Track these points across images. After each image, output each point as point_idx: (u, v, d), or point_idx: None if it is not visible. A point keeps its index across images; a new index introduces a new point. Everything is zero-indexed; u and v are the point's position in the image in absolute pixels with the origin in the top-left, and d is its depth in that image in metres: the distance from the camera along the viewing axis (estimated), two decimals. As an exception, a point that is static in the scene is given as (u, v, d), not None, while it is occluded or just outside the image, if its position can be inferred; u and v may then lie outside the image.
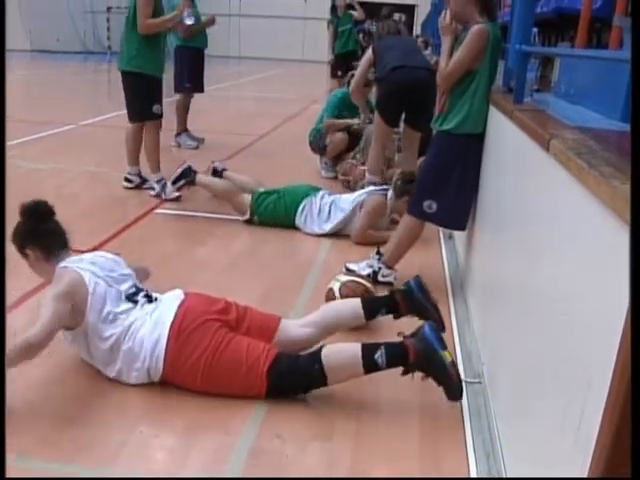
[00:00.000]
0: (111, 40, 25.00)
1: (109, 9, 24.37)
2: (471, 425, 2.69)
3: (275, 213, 5.06)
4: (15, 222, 2.89)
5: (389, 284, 3.95)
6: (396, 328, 2.88)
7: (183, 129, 8.14)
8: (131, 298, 2.89)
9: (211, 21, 8.02)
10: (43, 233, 2.90)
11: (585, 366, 1.54)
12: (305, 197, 5.05)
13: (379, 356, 2.67)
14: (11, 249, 2.91)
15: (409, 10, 18.59)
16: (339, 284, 3.62)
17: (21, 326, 2.90)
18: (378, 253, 4.05)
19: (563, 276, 1.84)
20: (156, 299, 2.95)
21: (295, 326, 3.02)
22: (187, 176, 5.23)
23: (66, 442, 2.45)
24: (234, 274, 4.18)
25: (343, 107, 6.69)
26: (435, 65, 4.81)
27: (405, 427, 2.67)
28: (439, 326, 2.92)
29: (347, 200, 4.97)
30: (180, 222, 5.25)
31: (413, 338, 2.73)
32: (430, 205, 3.79)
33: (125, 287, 2.91)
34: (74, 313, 2.72)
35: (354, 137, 6.76)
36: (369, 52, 5.70)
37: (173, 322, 2.78)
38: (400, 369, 2.71)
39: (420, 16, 21.37)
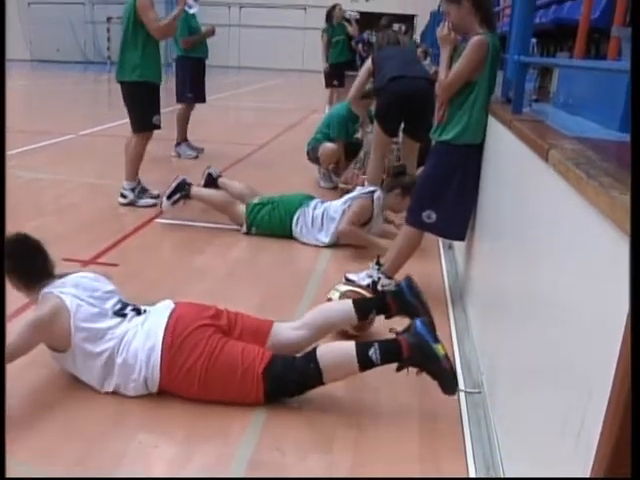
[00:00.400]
0: (111, 50, 25.06)
1: (109, 19, 24.46)
2: (471, 434, 2.69)
3: (271, 224, 5.06)
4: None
5: (389, 294, 3.95)
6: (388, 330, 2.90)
7: (183, 139, 8.15)
8: (119, 313, 2.90)
9: (211, 31, 8.04)
10: (21, 272, 2.90)
11: (585, 375, 1.53)
12: (299, 207, 5.05)
13: (373, 352, 2.69)
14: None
15: (409, 20, 18.65)
16: (338, 294, 3.62)
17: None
18: (377, 263, 4.05)
19: (562, 285, 1.84)
20: (145, 311, 2.96)
21: (288, 329, 3.03)
22: (182, 190, 5.21)
23: (64, 453, 2.44)
24: (232, 283, 4.18)
25: (348, 121, 6.68)
26: (434, 75, 4.83)
27: (404, 436, 2.66)
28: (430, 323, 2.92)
29: (336, 207, 4.97)
30: (179, 231, 5.24)
31: (406, 333, 2.76)
32: (429, 215, 3.79)
33: (111, 304, 2.92)
34: (58, 338, 2.74)
35: (354, 147, 6.78)
36: (368, 62, 5.71)
37: (166, 330, 2.78)
38: (395, 367, 2.72)
39: (419, 26, 21.47)
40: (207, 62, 8.27)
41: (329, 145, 6.61)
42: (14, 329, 2.68)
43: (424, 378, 2.72)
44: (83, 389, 2.83)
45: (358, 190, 5.17)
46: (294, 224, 5.01)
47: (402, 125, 5.55)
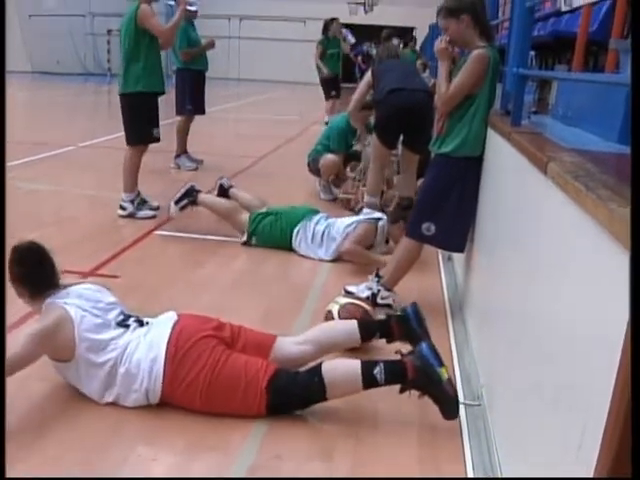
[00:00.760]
0: (111, 62, 25.15)
1: (109, 31, 24.51)
2: (470, 446, 2.68)
3: (272, 235, 5.06)
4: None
5: (388, 306, 3.95)
6: (391, 349, 2.90)
7: (183, 151, 8.17)
8: (121, 324, 2.90)
9: (210, 44, 8.07)
10: (30, 280, 2.89)
11: (584, 388, 1.53)
12: (301, 220, 5.05)
13: (378, 372, 2.70)
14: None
15: (408, 33, 18.73)
16: (338, 306, 3.61)
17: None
18: (377, 275, 4.05)
19: (561, 297, 1.84)
20: (147, 322, 2.96)
21: (291, 344, 3.03)
22: (190, 195, 5.26)
23: (64, 462, 2.44)
24: (232, 296, 4.17)
25: (348, 132, 6.69)
26: (433, 87, 4.84)
27: (404, 447, 2.66)
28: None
29: (339, 228, 4.95)
30: (178, 243, 5.25)
31: (411, 355, 2.76)
32: (429, 227, 3.79)
33: (113, 315, 2.92)
34: (62, 349, 2.74)
35: (353, 158, 6.80)
36: (368, 74, 5.73)
37: (169, 341, 2.79)
38: (398, 387, 2.73)
39: (418, 39, 21.53)
40: (207, 74, 8.30)
41: (330, 157, 6.61)
42: (16, 339, 2.67)
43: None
44: (82, 401, 2.82)
45: (364, 214, 5.17)
46: (294, 237, 5.01)
47: (401, 137, 5.56)
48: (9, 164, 6.72)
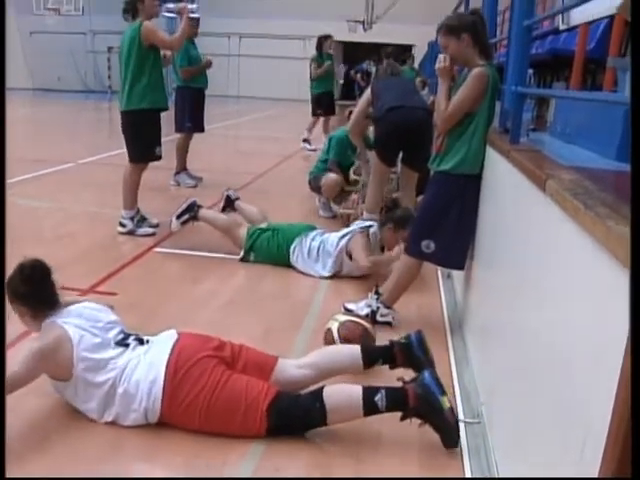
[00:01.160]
0: (112, 79, 25.28)
1: (110, 49, 24.67)
2: (470, 464, 2.67)
3: (269, 251, 5.07)
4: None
5: (388, 324, 3.94)
6: (394, 374, 2.90)
7: (182, 168, 8.18)
8: (121, 343, 2.89)
9: (208, 63, 8.12)
10: (34, 299, 2.88)
11: (584, 406, 1.53)
12: (297, 236, 5.06)
13: (379, 399, 2.69)
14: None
15: (407, 50, 18.84)
16: (337, 324, 3.60)
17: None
18: (377, 292, 4.04)
19: (560, 314, 1.84)
20: (147, 341, 2.95)
21: (292, 366, 3.01)
22: (191, 210, 5.29)
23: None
24: (232, 313, 4.17)
25: (347, 145, 6.69)
26: (432, 105, 4.86)
27: (404, 466, 2.65)
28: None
29: (333, 242, 4.93)
30: (178, 261, 5.25)
31: (413, 383, 2.76)
32: (428, 245, 3.79)
33: (113, 334, 2.91)
34: (61, 368, 2.74)
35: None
36: (367, 91, 5.75)
37: (169, 361, 2.77)
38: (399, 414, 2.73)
39: (417, 56, 21.64)
40: (207, 92, 8.34)
41: (332, 176, 6.61)
42: (15, 358, 2.67)
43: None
44: (82, 417, 2.81)
45: (356, 224, 5.18)
46: (292, 253, 5.02)
47: (401, 155, 5.57)
48: (9, 181, 6.72)
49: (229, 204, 5.63)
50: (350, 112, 6.71)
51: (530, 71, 4.52)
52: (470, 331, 3.73)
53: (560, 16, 5.75)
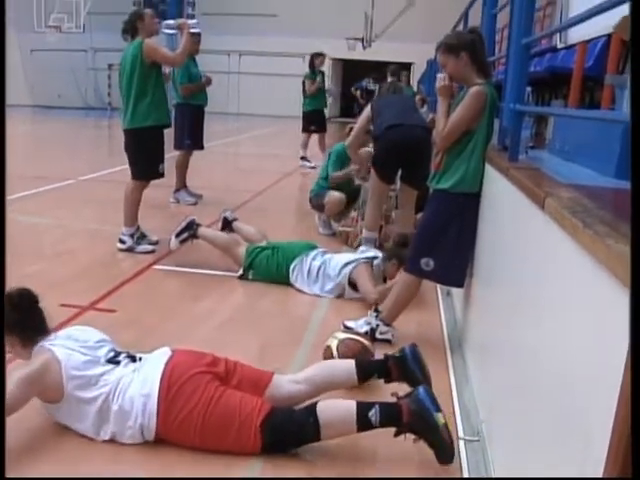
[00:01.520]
0: (112, 96, 25.37)
1: (110, 66, 24.77)
2: (470, 484, 2.66)
3: (268, 269, 5.06)
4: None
5: (387, 341, 3.94)
6: (389, 388, 2.89)
7: (182, 185, 8.19)
8: (112, 360, 2.88)
9: (208, 81, 8.16)
10: (24, 327, 2.87)
11: (584, 423, 1.53)
12: (298, 255, 5.03)
13: (373, 414, 2.68)
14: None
15: (406, 68, 18.91)
16: (337, 342, 3.60)
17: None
18: (376, 310, 4.04)
19: (559, 332, 1.84)
20: (140, 358, 2.94)
21: (287, 382, 3.01)
22: (190, 229, 5.29)
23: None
24: (231, 330, 4.16)
25: (347, 160, 6.68)
26: (431, 123, 4.87)
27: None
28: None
29: (335, 266, 4.89)
30: (177, 278, 5.25)
31: (407, 399, 2.74)
32: (427, 263, 3.79)
33: (103, 352, 2.91)
34: (51, 389, 2.73)
35: (353, 193, 6.81)
36: (367, 109, 5.77)
37: (162, 377, 2.77)
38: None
39: (416, 74, 21.72)
40: (206, 109, 8.36)
41: (336, 195, 6.59)
42: (5, 384, 2.64)
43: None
44: (78, 437, 2.80)
45: (360, 251, 5.18)
46: (291, 272, 5.00)
47: (400, 172, 5.58)
48: (9, 197, 6.74)
49: (227, 225, 5.62)
50: (350, 129, 6.72)
51: (528, 89, 4.54)
52: (470, 349, 3.73)
53: (558, 34, 5.79)
